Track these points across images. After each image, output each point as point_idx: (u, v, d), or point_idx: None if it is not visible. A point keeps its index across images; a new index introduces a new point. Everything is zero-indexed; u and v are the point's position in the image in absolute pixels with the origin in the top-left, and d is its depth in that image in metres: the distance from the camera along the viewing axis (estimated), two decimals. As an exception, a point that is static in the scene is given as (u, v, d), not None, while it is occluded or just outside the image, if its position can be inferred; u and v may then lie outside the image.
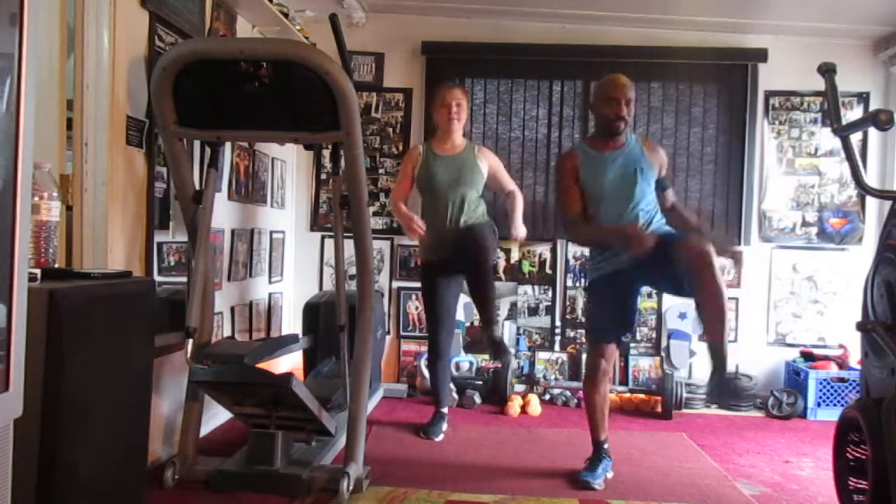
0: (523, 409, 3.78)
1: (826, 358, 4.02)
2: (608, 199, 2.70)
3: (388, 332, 4.31)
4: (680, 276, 2.50)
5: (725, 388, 2.59)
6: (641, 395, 3.97)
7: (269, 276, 3.98)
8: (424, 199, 3.40)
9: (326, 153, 4.29)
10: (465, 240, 3.21)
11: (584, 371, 2.85)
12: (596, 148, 2.77)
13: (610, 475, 2.73)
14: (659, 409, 3.86)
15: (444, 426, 3.37)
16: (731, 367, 3.61)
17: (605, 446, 2.77)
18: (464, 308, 4.18)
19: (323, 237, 4.43)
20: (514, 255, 4.35)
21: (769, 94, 4.26)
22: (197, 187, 2.61)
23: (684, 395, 3.88)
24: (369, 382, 2.71)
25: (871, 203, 4.22)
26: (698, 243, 2.42)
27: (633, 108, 2.75)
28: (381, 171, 4.38)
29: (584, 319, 4.19)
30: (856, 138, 3.54)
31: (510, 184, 3.48)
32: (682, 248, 2.45)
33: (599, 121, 2.79)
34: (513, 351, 4.26)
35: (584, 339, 4.31)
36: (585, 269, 3.06)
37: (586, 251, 4.28)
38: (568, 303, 4.34)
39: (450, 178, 3.28)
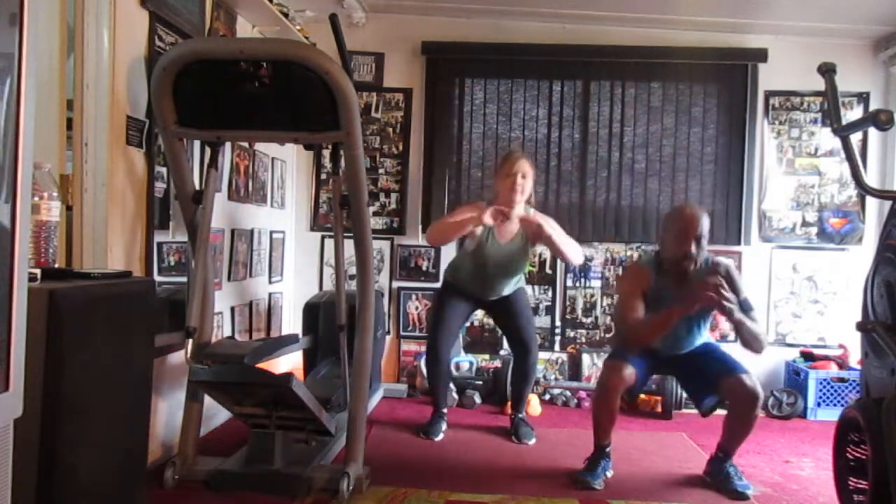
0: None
1: (826, 358, 4.02)
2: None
3: (388, 332, 4.31)
4: (705, 392, 2.73)
5: (723, 469, 2.70)
6: (641, 395, 3.96)
7: (269, 276, 3.98)
8: (464, 258, 3.33)
9: (326, 153, 4.29)
10: (503, 312, 3.37)
11: (596, 383, 2.83)
12: (664, 278, 2.72)
13: (610, 474, 2.73)
14: (659, 409, 3.86)
15: (444, 426, 3.37)
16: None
17: (607, 450, 2.76)
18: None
19: (323, 237, 4.43)
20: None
21: (769, 94, 4.26)
22: (197, 187, 2.61)
23: (684, 395, 3.88)
24: (369, 382, 2.71)
25: (871, 203, 4.22)
26: (752, 386, 2.58)
27: (703, 242, 2.65)
28: (381, 171, 4.38)
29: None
30: (856, 138, 3.54)
31: (552, 228, 3.13)
32: (733, 385, 2.61)
33: (666, 252, 2.74)
34: (513, 351, 4.26)
35: (583, 340, 4.32)
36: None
37: (587, 251, 4.30)
38: (568, 303, 4.34)
39: (501, 266, 3.24)
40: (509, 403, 3.57)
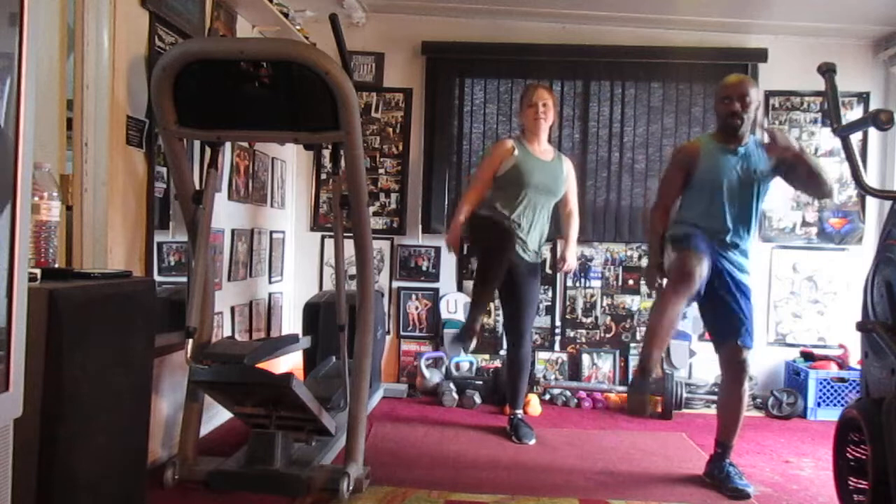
0: (523, 408, 3.77)
1: (826, 358, 4.02)
2: (725, 201, 2.68)
3: (388, 332, 4.31)
4: (722, 328, 2.73)
5: (723, 468, 2.71)
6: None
7: (269, 276, 3.98)
8: (500, 194, 3.26)
9: (326, 153, 4.29)
10: (513, 285, 3.30)
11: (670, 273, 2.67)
12: (719, 141, 2.75)
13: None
14: (659, 409, 3.86)
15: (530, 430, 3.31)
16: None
17: (653, 367, 2.55)
18: (464, 308, 4.19)
19: (323, 237, 4.43)
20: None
21: (769, 94, 4.26)
22: (197, 187, 2.61)
23: (684, 395, 3.88)
24: (369, 382, 2.71)
25: (871, 203, 4.22)
26: (744, 359, 2.65)
27: (754, 108, 2.68)
28: (381, 171, 4.38)
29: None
30: (856, 138, 3.54)
31: (574, 203, 3.48)
32: (729, 349, 2.68)
33: (718, 119, 2.78)
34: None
35: (583, 340, 4.32)
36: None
37: (587, 251, 4.32)
38: (568, 303, 4.34)
39: (543, 183, 3.26)
40: (508, 400, 3.55)
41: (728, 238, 2.71)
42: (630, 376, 2.69)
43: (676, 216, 2.83)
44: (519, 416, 3.38)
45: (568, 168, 3.40)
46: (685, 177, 2.78)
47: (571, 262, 3.49)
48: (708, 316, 2.81)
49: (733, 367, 2.69)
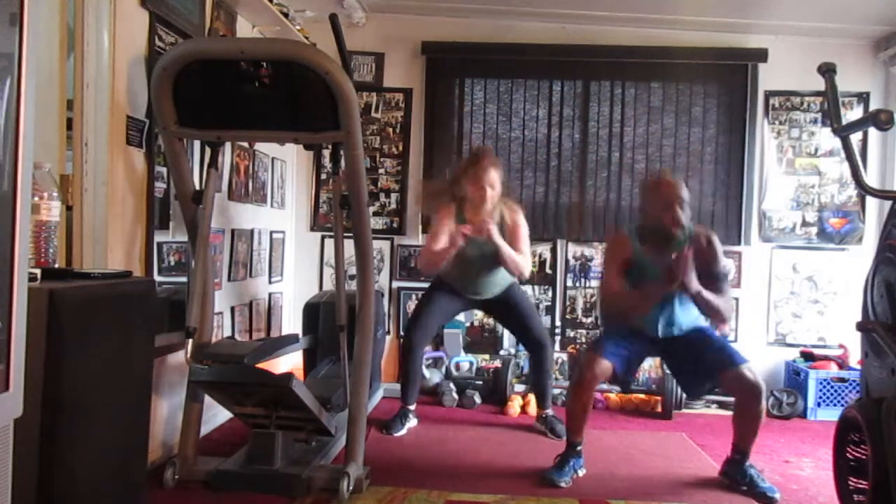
0: (523, 409, 3.78)
1: (826, 358, 4.02)
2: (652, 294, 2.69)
3: (388, 332, 4.31)
4: (699, 382, 2.77)
5: (744, 473, 2.69)
6: (641, 395, 3.97)
7: (269, 276, 3.98)
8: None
9: (326, 153, 4.29)
10: (503, 312, 3.45)
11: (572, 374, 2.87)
12: (647, 253, 2.73)
13: (581, 473, 2.74)
14: (659, 409, 3.86)
15: (409, 423, 3.39)
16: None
17: (578, 448, 2.77)
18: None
19: (323, 237, 4.43)
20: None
21: (769, 94, 4.26)
22: (197, 187, 2.61)
23: (684, 395, 3.88)
24: (369, 382, 2.71)
25: (871, 203, 4.22)
26: (754, 379, 2.60)
27: (688, 209, 2.65)
28: (381, 171, 4.38)
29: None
30: (856, 138, 3.54)
31: (526, 250, 3.28)
32: (735, 379, 2.63)
33: (652, 225, 2.72)
34: (513, 351, 4.27)
35: (583, 340, 4.32)
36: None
37: (587, 251, 4.32)
38: (568, 303, 4.34)
39: (482, 261, 3.25)
40: (535, 403, 3.61)
41: (657, 333, 2.77)
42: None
43: None
44: (550, 413, 3.45)
45: (512, 220, 3.27)
46: (626, 265, 2.77)
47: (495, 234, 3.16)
48: (688, 372, 2.83)
49: (746, 389, 2.61)
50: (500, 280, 3.35)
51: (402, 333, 4.32)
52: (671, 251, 2.65)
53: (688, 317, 2.78)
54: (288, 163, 4.25)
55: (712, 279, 2.66)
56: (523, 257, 3.25)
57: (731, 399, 2.80)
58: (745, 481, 2.65)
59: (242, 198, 3.55)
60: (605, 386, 4.08)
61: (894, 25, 3.99)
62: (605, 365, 2.70)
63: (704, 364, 2.71)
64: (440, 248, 3.20)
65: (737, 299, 4.24)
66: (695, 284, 2.57)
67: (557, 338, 4.33)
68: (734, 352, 2.70)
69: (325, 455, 2.71)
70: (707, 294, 2.60)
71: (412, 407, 3.45)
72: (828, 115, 3.20)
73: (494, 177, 3.21)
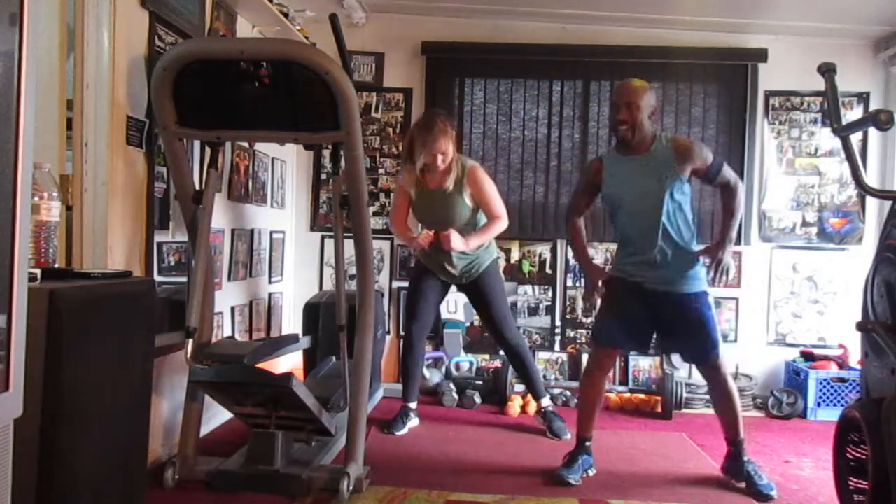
0: (523, 409, 3.77)
1: (826, 358, 4.02)
2: (631, 212, 2.67)
3: (388, 332, 4.31)
4: (688, 352, 2.79)
5: (742, 469, 2.70)
6: (641, 395, 3.97)
7: (269, 276, 3.98)
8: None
9: (326, 153, 4.29)
10: (474, 296, 3.41)
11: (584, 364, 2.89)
12: (619, 152, 2.72)
13: (592, 472, 2.74)
14: (659, 409, 3.86)
15: (410, 422, 3.39)
16: (731, 368, 3.64)
17: (588, 444, 2.78)
18: (464, 308, 4.19)
19: (323, 237, 4.43)
20: (515, 255, 4.35)
21: (769, 94, 4.26)
22: (197, 187, 2.61)
23: (684, 395, 3.88)
24: (369, 382, 2.71)
25: (871, 203, 4.22)
26: (714, 364, 2.66)
27: (644, 111, 2.59)
28: (381, 171, 4.38)
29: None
30: (856, 138, 3.54)
31: (497, 210, 3.23)
32: (706, 374, 2.72)
33: (612, 128, 2.72)
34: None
35: (583, 340, 4.32)
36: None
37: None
38: (568, 303, 4.34)
39: (435, 216, 3.24)
40: (532, 402, 3.60)
41: (644, 259, 2.65)
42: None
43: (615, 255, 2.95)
44: (549, 408, 3.43)
45: (471, 181, 3.18)
46: (593, 189, 2.78)
47: (455, 244, 3.13)
48: (667, 342, 2.90)
49: (709, 374, 2.71)
50: (469, 257, 3.28)
51: (402, 333, 4.32)
52: (637, 151, 2.63)
53: (682, 266, 2.66)
54: (288, 163, 4.25)
55: (710, 179, 2.68)
56: (498, 221, 3.22)
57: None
58: (744, 478, 2.65)
59: (242, 198, 3.55)
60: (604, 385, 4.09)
61: (894, 25, 3.99)
62: (609, 353, 2.76)
63: (683, 343, 2.75)
64: (401, 234, 3.38)
65: (737, 299, 4.25)
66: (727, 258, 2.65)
67: (557, 338, 4.33)
68: (713, 340, 2.63)
69: (325, 455, 2.71)
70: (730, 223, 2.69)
71: (413, 405, 3.45)
72: (828, 115, 3.20)
73: (444, 144, 3.09)
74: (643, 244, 2.66)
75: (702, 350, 2.67)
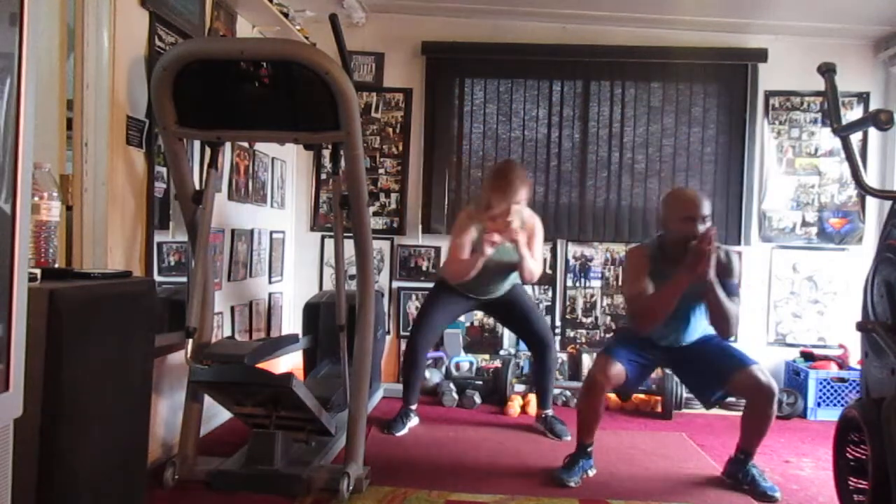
0: (523, 409, 3.78)
1: (826, 358, 4.02)
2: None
3: (388, 332, 4.31)
4: (710, 388, 2.75)
5: (746, 472, 2.70)
6: (641, 395, 3.96)
7: (269, 276, 3.98)
8: None
9: (326, 153, 4.29)
10: (510, 312, 3.46)
11: (584, 375, 2.88)
12: (668, 263, 2.67)
13: (592, 473, 2.74)
14: (659, 409, 3.86)
15: (410, 422, 3.40)
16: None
17: (589, 449, 2.77)
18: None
19: (323, 237, 4.43)
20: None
21: (769, 94, 4.26)
22: (197, 187, 2.61)
23: (684, 395, 3.88)
24: (369, 382, 2.71)
25: (871, 203, 4.22)
26: (767, 380, 2.58)
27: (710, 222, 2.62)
28: (381, 171, 4.38)
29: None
30: (856, 138, 3.54)
31: (540, 257, 3.27)
32: (747, 380, 2.60)
33: (673, 237, 2.68)
34: (513, 351, 4.27)
35: (583, 340, 4.32)
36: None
37: (587, 251, 4.32)
38: (568, 303, 4.35)
39: (497, 265, 3.21)
40: (536, 402, 3.60)
41: (668, 343, 2.78)
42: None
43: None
44: (551, 413, 3.46)
45: (530, 225, 3.22)
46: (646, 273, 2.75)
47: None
48: (699, 379, 2.82)
49: (759, 390, 2.59)
50: (509, 283, 3.36)
51: (402, 333, 4.33)
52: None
53: (699, 327, 2.78)
54: (288, 163, 4.25)
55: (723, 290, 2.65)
56: (536, 263, 3.22)
57: (733, 399, 2.79)
58: (748, 480, 2.65)
59: (242, 198, 3.55)
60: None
61: (894, 25, 3.99)
62: (619, 369, 2.69)
63: (715, 368, 2.70)
64: (468, 257, 3.18)
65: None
66: (713, 273, 2.57)
67: (557, 338, 4.32)
68: (743, 355, 2.70)
69: (325, 455, 2.71)
70: (720, 291, 2.59)
71: (414, 406, 3.46)
72: (828, 115, 3.20)
73: (523, 194, 3.12)
74: (665, 331, 2.76)
75: (730, 365, 2.65)
